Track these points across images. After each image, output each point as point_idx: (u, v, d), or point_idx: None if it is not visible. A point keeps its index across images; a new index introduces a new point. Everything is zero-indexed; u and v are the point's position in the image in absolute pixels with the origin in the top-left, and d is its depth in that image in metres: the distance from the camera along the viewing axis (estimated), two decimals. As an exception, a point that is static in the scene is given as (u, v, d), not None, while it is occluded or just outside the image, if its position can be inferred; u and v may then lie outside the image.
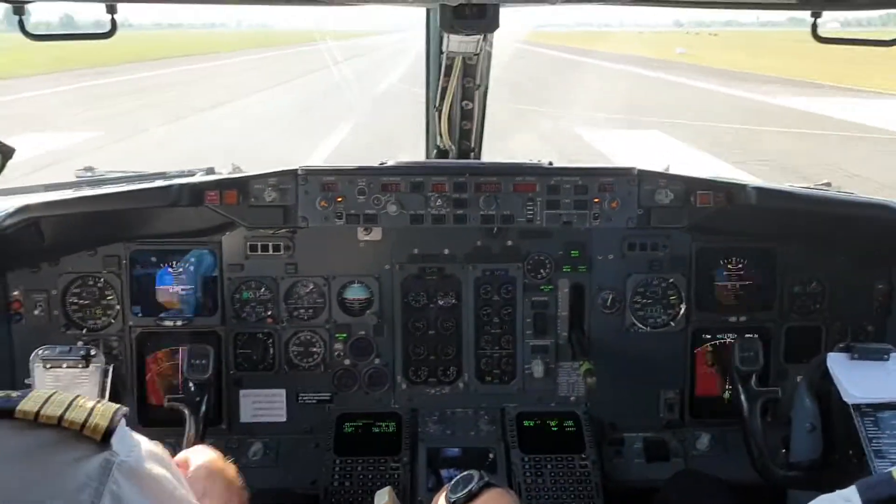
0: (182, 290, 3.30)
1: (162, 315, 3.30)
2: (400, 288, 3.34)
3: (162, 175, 3.40)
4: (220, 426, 3.32)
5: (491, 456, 3.17)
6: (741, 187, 3.12)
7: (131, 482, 1.18)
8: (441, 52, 3.21)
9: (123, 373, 3.29)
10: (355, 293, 3.36)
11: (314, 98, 24.96)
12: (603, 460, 3.25)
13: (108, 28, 2.31)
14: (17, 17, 2.25)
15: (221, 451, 3.25)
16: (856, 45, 2.53)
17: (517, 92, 24.56)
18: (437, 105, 3.44)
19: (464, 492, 2.03)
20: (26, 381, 2.86)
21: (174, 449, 1.88)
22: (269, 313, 3.33)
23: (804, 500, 1.29)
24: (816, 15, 2.35)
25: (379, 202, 3.18)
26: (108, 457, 1.18)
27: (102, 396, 2.90)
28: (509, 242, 3.33)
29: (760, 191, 3.08)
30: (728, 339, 3.34)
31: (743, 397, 2.90)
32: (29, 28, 2.28)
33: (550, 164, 3.29)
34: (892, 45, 2.36)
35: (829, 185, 3.42)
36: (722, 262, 3.35)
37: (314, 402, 3.38)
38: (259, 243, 3.29)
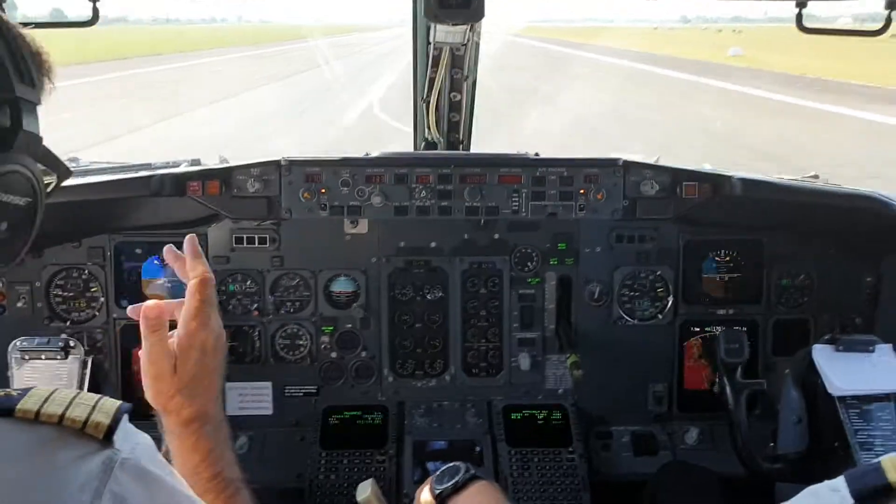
0: (168, 282, 3.28)
1: None
2: (387, 281, 3.32)
3: (147, 166, 3.37)
4: None
5: (477, 449, 3.16)
6: (726, 178, 3.11)
7: (133, 480, 1.16)
8: (428, 43, 3.19)
9: (108, 366, 3.27)
10: (342, 286, 3.34)
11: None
12: (590, 454, 3.23)
13: (90, 16, 2.30)
14: None
15: None
16: (842, 35, 2.51)
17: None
18: (424, 96, 3.42)
19: (449, 483, 2.02)
20: (7, 375, 2.84)
21: (158, 444, 1.87)
22: (256, 306, 3.32)
23: (791, 493, 1.28)
24: (801, 5, 2.35)
25: (363, 194, 3.16)
26: (110, 455, 1.15)
27: (81, 388, 2.88)
28: (496, 235, 3.32)
29: (745, 182, 3.07)
30: (716, 332, 3.33)
31: (728, 390, 2.90)
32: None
33: (536, 155, 3.27)
34: (878, 35, 2.36)
35: (816, 177, 3.41)
36: (710, 255, 3.34)
37: (300, 394, 3.36)
38: (245, 235, 3.26)
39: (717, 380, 3.01)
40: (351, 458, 3.11)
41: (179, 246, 1.87)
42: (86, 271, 3.26)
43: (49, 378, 2.80)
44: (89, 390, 2.84)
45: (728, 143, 17.68)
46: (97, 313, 3.27)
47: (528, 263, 3.33)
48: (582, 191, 3.19)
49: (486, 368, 3.38)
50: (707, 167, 3.39)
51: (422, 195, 3.17)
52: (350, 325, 3.35)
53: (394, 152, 3.28)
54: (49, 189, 1.46)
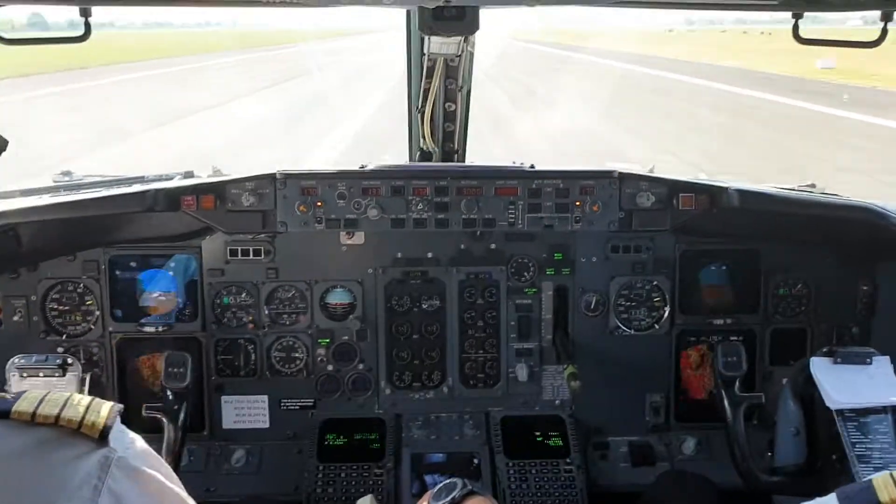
0: (163, 295, 3.27)
1: (143, 320, 3.26)
2: (383, 292, 3.31)
3: (140, 179, 3.36)
4: (202, 433, 3.29)
5: (475, 461, 3.15)
6: (723, 190, 3.10)
7: (129, 478, 1.20)
8: (423, 54, 3.18)
9: (104, 380, 3.26)
10: (338, 298, 3.33)
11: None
12: (588, 465, 3.23)
13: (82, 31, 2.27)
14: None
15: (203, 458, 3.27)
16: (838, 45, 2.51)
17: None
18: (419, 107, 3.42)
19: (447, 499, 2.03)
20: (4, 389, 2.82)
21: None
22: (251, 318, 3.30)
23: None
24: (798, 16, 2.34)
25: (359, 206, 3.14)
26: (106, 453, 1.19)
27: None
28: (493, 245, 3.31)
29: (743, 193, 3.06)
30: (713, 341, 3.33)
31: (726, 402, 2.88)
32: (2, 32, 2.23)
33: (532, 166, 3.26)
34: (875, 46, 2.35)
35: (813, 186, 3.41)
36: (706, 265, 3.33)
37: (297, 408, 3.35)
38: (239, 248, 3.25)
39: (712, 391, 3.01)
40: (348, 471, 3.09)
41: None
42: (81, 285, 3.25)
43: None
44: None
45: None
46: (93, 326, 3.26)
47: (525, 273, 3.32)
48: (578, 202, 3.18)
49: (484, 379, 3.37)
50: (703, 178, 3.39)
51: (418, 207, 3.15)
52: (346, 337, 3.33)
53: (390, 165, 3.26)
54: None
